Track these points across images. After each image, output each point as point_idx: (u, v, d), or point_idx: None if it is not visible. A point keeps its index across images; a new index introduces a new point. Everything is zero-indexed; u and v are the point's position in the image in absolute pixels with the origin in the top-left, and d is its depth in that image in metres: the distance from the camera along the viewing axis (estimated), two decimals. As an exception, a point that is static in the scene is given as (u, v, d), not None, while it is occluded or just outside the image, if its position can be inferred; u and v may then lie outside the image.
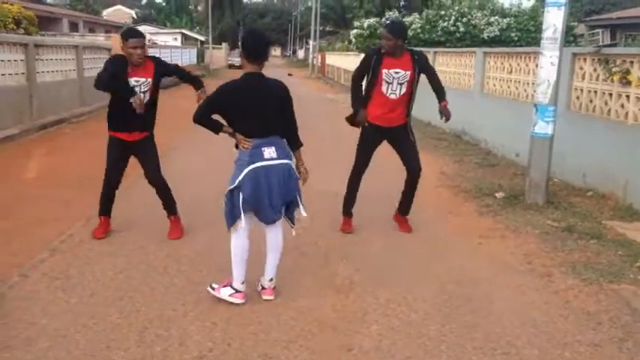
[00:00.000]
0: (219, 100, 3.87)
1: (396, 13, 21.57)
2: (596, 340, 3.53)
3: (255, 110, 3.80)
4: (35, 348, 3.27)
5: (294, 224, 4.13)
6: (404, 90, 5.19)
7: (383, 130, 5.33)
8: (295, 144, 4.05)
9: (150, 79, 4.95)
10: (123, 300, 3.89)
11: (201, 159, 9.13)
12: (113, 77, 4.75)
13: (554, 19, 6.03)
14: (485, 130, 10.32)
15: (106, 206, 5.30)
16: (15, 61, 11.31)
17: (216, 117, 3.90)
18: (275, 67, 59.27)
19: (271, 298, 4.01)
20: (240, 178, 3.72)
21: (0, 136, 10.11)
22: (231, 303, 3.86)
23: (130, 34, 4.88)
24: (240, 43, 4.01)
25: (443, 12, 19.23)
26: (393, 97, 5.20)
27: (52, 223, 5.57)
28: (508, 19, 18.99)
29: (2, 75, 10.78)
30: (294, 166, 3.94)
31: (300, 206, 4.01)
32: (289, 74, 39.80)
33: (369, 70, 5.21)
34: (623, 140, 6.40)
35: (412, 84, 5.20)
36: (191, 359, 3.21)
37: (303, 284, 4.28)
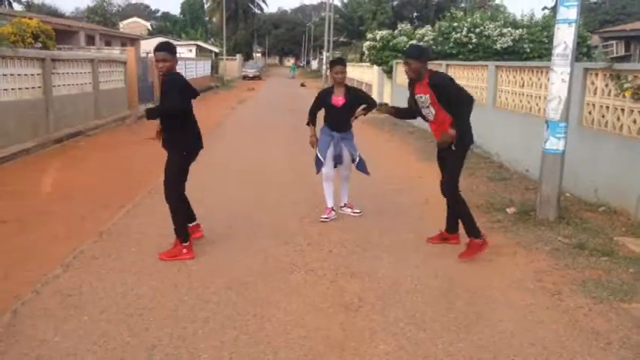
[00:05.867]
0: (317, 100, 6.57)
1: (409, 25, 21.58)
2: (605, 362, 3.51)
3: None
4: (46, 366, 3.31)
5: (367, 173, 6.60)
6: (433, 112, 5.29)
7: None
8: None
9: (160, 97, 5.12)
10: (133, 317, 3.94)
11: (216, 176, 9.20)
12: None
13: (564, 36, 6.03)
14: (497, 144, 10.30)
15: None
16: (32, 75, 11.52)
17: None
18: (288, 77, 59.56)
19: (348, 211, 6.69)
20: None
21: (16, 149, 10.29)
22: (242, 324, 3.91)
23: (155, 47, 5.04)
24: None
25: (455, 24, 19.24)
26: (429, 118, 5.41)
27: (66, 239, 5.65)
28: (520, 30, 18.95)
29: (19, 89, 10.98)
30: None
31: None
32: (302, 85, 39.99)
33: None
34: (636, 156, 6.36)
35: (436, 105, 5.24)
36: (199, 378, 3.23)
37: (311, 302, 4.29)
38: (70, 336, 3.66)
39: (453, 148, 5.21)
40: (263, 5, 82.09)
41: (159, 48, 5.01)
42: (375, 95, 24.19)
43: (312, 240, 5.77)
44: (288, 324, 3.92)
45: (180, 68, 25.15)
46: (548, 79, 6.50)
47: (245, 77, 51.45)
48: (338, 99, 6.28)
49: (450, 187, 5.32)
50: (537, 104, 9.06)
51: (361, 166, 6.54)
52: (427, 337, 3.78)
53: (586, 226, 6.19)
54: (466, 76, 12.74)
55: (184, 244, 5.15)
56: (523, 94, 9.63)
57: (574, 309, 4.25)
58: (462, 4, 47.29)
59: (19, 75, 10.98)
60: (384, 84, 21.43)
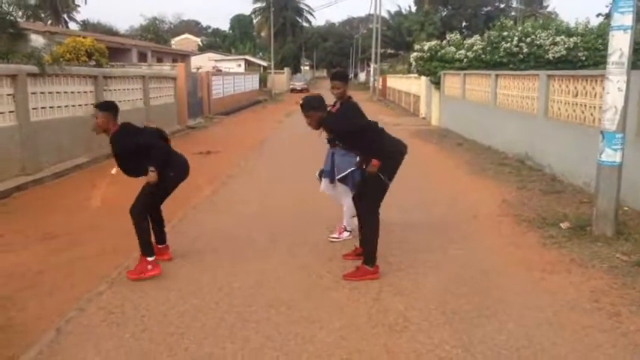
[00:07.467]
0: None
1: (457, 35, 21.27)
2: (669, 392, 3.26)
3: None
4: (87, 385, 3.30)
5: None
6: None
7: None
8: None
9: None
10: (173, 336, 3.90)
11: (253, 194, 9.21)
12: None
13: (619, 43, 5.76)
14: (549, 155, 9.96)
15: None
16: (85, 92, 11.85)
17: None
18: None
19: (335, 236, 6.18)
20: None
21: (71, 164, 10.61)
22: (282, 344, 3.83)
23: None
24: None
25: (505, 33, 18.86)
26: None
27: (113, 253, 5.72)
28: (574, 38, 18.42)
29: (72, 106, 11.31)
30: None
31: None
32: (349, 97, 40.08)
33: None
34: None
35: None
36: (238, 401, 3.16)
37: (355, 321, 4.17)
38: (111, 355, 3.65)
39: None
40: (311, 18, 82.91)
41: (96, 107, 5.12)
42: (423, 106, 23.93)
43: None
44: (330, 345, 3.82)
45: (228, 83, 25.67)
46: (603, 88, 6.22)
47: (293, 90, 51.85)
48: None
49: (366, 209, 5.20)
50: (592, 114, 8.71)
51: (343, 180, 5.96)
52: (475, 361, 3.61)
53: (646, 242, 5.87)
54: (517, 86, 12.41)
55: (149, 258, 5.03)
56: (577, 104, 9.27)
57: (634, 332, 3.99)
58: (512, 13, 46.51)
59: (72, 92, 11.32)
60: (432, 95, 21.14)
